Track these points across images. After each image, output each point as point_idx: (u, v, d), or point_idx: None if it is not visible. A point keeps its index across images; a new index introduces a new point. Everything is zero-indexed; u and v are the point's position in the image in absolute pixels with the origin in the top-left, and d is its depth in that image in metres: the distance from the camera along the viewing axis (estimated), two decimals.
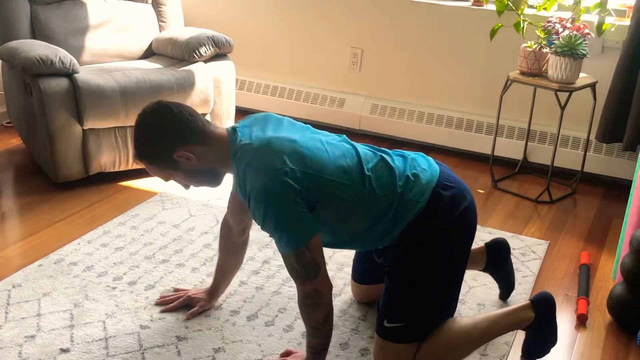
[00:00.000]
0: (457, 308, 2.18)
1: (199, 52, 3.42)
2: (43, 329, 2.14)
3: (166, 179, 1.93)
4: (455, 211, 1.93)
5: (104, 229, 2.81)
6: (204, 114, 3.41)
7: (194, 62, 3.43)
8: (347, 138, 2.01)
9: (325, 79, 4.23)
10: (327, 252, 2.66)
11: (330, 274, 2.45)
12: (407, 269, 1.94)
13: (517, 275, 2.58)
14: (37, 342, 2.07)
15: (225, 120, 3.51)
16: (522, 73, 3.29)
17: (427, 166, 1.99)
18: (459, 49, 3.82)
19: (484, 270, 2.39)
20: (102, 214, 2.96)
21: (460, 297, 2.40)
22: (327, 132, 2.02)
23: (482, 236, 2.90)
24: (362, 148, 1.98)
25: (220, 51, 3.50)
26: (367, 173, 1.89)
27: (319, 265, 1.81)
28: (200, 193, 3.19)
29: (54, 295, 2.32)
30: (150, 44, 3.69)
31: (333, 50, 4.15)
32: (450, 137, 3.90)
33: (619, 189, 3.49)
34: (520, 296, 2.45)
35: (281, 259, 2.60)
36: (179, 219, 2.94)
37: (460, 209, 1.94)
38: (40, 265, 2.50)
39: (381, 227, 1.92)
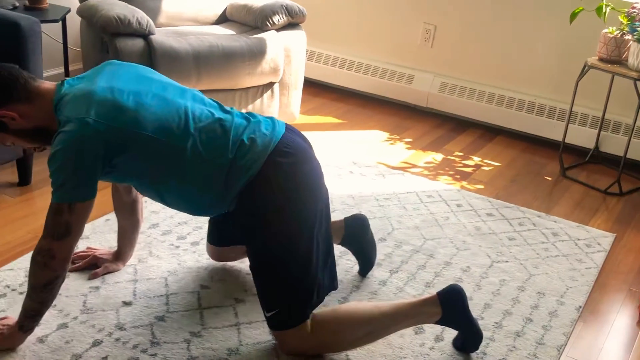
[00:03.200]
0: None
1: (272, 20, 3.43)
2: (107, 281, 2.21)
3: (2, 143, 1.89)
4: (293, 179, 1.84)
5: None
6: (272, 83, 3.43)
7: (267, 30, 3.44)
8: (197, 93, 1.92)
9: (395, 54, 4.19)
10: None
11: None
12: (253, 252, 1.89)
13: (580, 267, 2.53)
14: (101, 294, 2.14)
15: (292, 91, 3.52)
16: (601, 59, 3.18)
17: (270, 131, 1.87)
18: (536, 31, 3.72)
19: (340, 244, 2.33)
20: None
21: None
22: (171, 83, 1.92)
23: (547, 224, 2.84)
24: (198, 105, 1.87)
25: (293, 20, 3.50)
26: (192, 132, 1.80)
27: (70, 232, 1.74)
28: None
29: None
30: (225, 10, 3.72)
31: (405, 26, 4.10)
32: (520, 120, 3.82)
33: None
34: (582, 287, 2.40)
35: None
36: None
37: (299, 177, 1.85)
38: (108, 219, 2.58)
39: (213, 193, 1.85)
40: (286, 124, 1.97)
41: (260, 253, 1.88)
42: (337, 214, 2.76)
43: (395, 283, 2.33)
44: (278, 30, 3.46)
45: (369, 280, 2.33)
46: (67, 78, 1.86)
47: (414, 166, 3.36)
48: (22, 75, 1.82)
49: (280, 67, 3.40)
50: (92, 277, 2.22)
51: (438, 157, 3.51)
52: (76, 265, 2.26)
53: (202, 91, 3.24)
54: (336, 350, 1.95)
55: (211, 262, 2.36)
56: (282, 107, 3.52)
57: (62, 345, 1.91)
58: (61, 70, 3.72)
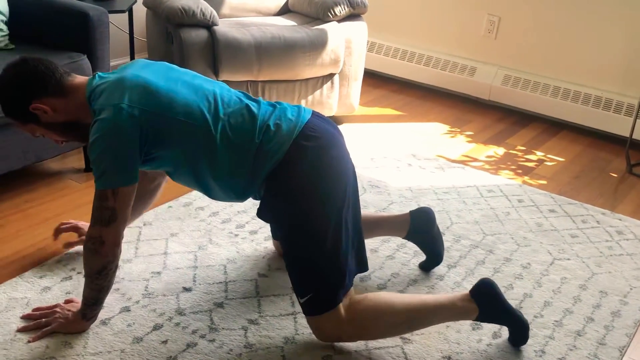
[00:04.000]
0: None
1: (334, 12, 3.42)
2: (168, 267, 2.26)
3: (32, 134, 1.94)
4: (318, 163, 1.83)
5: None
6: (332, 74, 3.43)
7: (328, 21, 3.44)
8: (223, 84, 1.95)
9: (457, 46, 4.13)
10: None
11: (390, 252, 2.43)
12: (283, 236, 1.90)
13: None
14: (163, 279, 2.20)
15: (352, 82, 3.52)
16: None
17: (295, 116, 1.89)
18: (605, 23, 3.61)
19: (405, 238, 2.30)
20: None
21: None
22: (199, 75, 1.96)
23: (612, 222, 2.77)
24: (227, 92, 1.91)
25: (355, 11, 3.49)
26: (222, 116, 1.83)
27: (116, 217, 1.78)
28: None
29: (180, 236, 2.45)
30: (287, 1, 3.73)
31: (468, 17, 4.03)
32: (585, 115, 3.72)
33: None
34: None
35: None
36: None
37: (325, 161, 1.84)
38: (170, 207, 2.63)
39: (242, 178, 1.86)
40: (313, 111, 1.97)
41: (289, 237, 1.89)
42: (395, 207, 2.75)
43: (453, 278, 2.31)
44: (339, 21, 3.45)
45: (426, 275, 2.32)
46: (98, 72, 1.90)
47: (475, 160, 3.32)
48: (58, 70, 1.87)
49: (341, 59, 3.39)
50: (69, 246, 2.28)
51: (500, 151, 3.46)
52: (58, 234, 2.30)
53: (263, 82, 3.27)
54: (373, 336, 1.93)
55: (269, 250, 2.39)
56: (342, 98, 3.52)
57: (124, 328, 1.96)
58: (127, 59, 3.81)
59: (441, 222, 2.66)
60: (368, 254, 2.40)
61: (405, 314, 1.88)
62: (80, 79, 1.89)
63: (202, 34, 3.13)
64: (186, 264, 2.28)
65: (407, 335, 2.01)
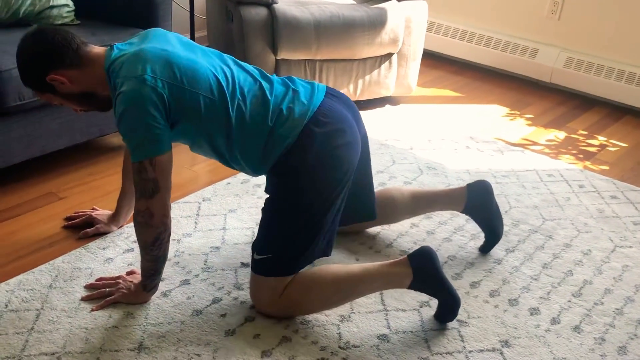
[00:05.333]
0: None
1: None
2: (227, 242, 2.29)
3: (51, 102, 1.95)
4: (327, 149, 1.84)
5: None
6: (391, 54, 3.40)
7: (388, 0, 3.40)
8: (236, 60, 1.96)
9: (518, 27, 4.04)
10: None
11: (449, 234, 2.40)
12: (273, 202, 1.91)
13: None
14: (221, 254, 2.23)
15: (411, 62, 3.48)
16: None
17: (308, 99, 1.88)
18: None
19: (463, 212, 2.28)
20: None
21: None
22: (215, 51, 1.96)
23: None
24: (242, 72, 1.91)
25: None
26: (238, 96, 1.84)
27: (159, 187, 1.78)
28: (379, 132, 3.22)
29: (238, 212, 2.47)
30: None
31: None
32: None
33: None
34: None
35: None
36: None
37: (334, 146, 1.85)
38: (229, 183, 2.66)
39: (255, 158, 1.87)
40: (328, 89, 1.96)
41: (277, 203, 1.90)
42: None
43: (510, 262, 2.28)
44: (399, 0, 3.41)
45: (484, 258, 2.30)
46: (116, 43, 1.91)
47: (535, 143, 3.25)
48: (75, 40, 1.86)
49: (400, 38, 3.36)
50: (83, 235, 2.27)
51: (560, 135, 3.38)
52: (72, 222, 2.34)
53: (320, 61, 3.27)
54: (306, 310, 1.95)
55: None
56: (400, 78, 3.49)
57: (184, 300, 2.01)
58: (187, 36, 3.84)
59: (500, 205, 2.61)
60: (424, 235, 2.40)
61: (333, 285, 1.91)
62: (97, 49, 1.89)
63: (261, 12, 3.13)
64: (244, 240, 2.31)
65: (463, 318, 1.99)
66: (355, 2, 3.43)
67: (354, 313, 2.00)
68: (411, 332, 1.94)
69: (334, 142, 1.86)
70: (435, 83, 3.97)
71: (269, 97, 1.87)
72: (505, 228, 2.47)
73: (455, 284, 2.14)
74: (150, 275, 1.94)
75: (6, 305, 1.94)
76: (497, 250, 2.33)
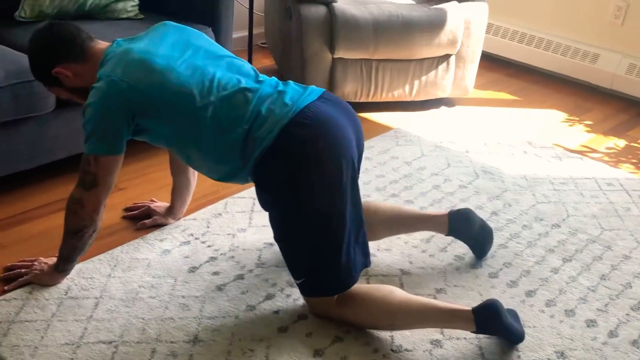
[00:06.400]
0: None
1: None
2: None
3: (58, 95, 1.98)
4: (305, 152, 1.76)
5: None
6: (448, 55, 3.37)
7: (448, 1, 3.37)
8: (235, 61, 1.91)
9: (580, 31, 3.96)
10: None
11: None
12: (274, 222, 1.87)
13: None
14: (275, 250, 2.24)
15: (469, 64, 3.44)
16: None
17: (294, 100, 1.81)
18: None
19: (447, 235, 2.23)
20: None
21: None
22: (211, 50, 1.93)
23: None
24: (228, 75, 1.85)
25: None
26: (213, 100, 1.79)
27: (97, 183, 1.81)
28: (434, 134, 3.20)
29: None
30: None
31: (594, 1, 3.85)
32: None
33: None
34: None
35: (513, 215, 2.55)
36: (412, 157, 2.98)
37: (313, 150, 1.76)
38: None
39: (230, 163, 1.84)
40: (324, 92, 1.88)
41: (278, 225, 1.87)
42: (509, 195, 2.69)
43: (567, 272, 2.24)
44: (460, 1, 3.38)
45: (540, 267, 2.26)
46: (119, 39, 1.93)
47: (594, 151, 3.18)
48: (81, 35, 1.90)
49: (459, 40, 3.32)
50: (140, 226, 2.31)
51: (620, 143, 3.30)
52: (131, 213, 2.38)
53: (377, 61, 3.26)
54: (359, 327, 1.91)
55: None
56: (457, 80, 3.46)
57: (238, 295, 2.03)
58: (245, 33, 3.88)
59: (557, 213, 2.58)
60: (506, 239, 2.37)
61: (388, 319, 1.86)
62: (102, 44, 1.92)
63: (321, 10, 3.14)
64: None
65: None
66: (414, 2, 3.41)
67: None
68: (465, 338, 1.92)
69: (314, 145, 1.76)
70: (492, 86, 3.92)
71: (251, 99, 1.80)
72: (562, 236, 2.43)
73: (510, 292, 2.12)
74: (64, 259, 1.97)
75: (66, 293, 1.99)
76: (554, 259, 2.29)
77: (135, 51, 1.83)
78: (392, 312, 1.85)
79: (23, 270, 2.03)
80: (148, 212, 2.37)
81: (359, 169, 1.92)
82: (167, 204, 2.39)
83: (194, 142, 1.85)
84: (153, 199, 2.47)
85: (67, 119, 2.46)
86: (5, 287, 1.99)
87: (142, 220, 2.33)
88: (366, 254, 1.92)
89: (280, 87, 1.87)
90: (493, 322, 1.81)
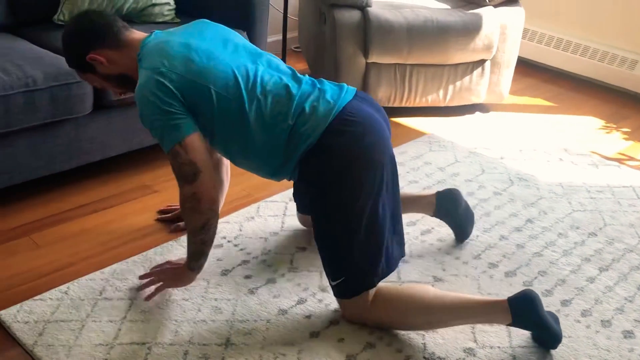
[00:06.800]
0: None
1: None
2: (313, 244, 2.28)
3: (91, 83, 1.99)
4: (353, 149, 1.78)
5: None
6: (483, 60, 3.34)
7: (483, 5, 3.34)
8: (273, 59, 1.92)
9: (618, 37, 3.89)
10: None
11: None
12: (319, 221, 1.87)
13: None
14: (307, 255, 2.24)
15: (504, 70, 3.40)
16: None
17: (335, 98, 1.83)
18: None
19: (433, 216, 2.31)
20: None
21: None
22: (249, 46, 1.96)
23: None
24: (269, 71, 1.87)
25: None
26: (258, 95, 1.81)
27: (198, 168, 1.77)
28: (468, 140, 3.17)
29: None
30: None
31: (634, 7, 3.78)
32: None
33: None
34: None
35: (548, 222, 2.51)
36: (445, 162, 2.95)
37: (361, 146, 1.78)
38: None
39: (274, 159, 1.85)
40: (357, 91, 1.92)
41: (323, 222, 1.87)
42: (545, 202, 2.65)
43: (604, 281, 2.20)
44: (495, 6, 3.35)
45: (576, 276, 2.22)
46: (156, 30, 1.94)
47: (632, 159, 3.12)
48: (117, 23, 1.91)
49: (494, 45, 3.29)
50: (174, 229, 2.32)
51: None
52: (165, 215, 2.39)
53: (411, 65, 3.24)
54: (394, 328, 1.91)
55: (411, 237, 2.37)
56: (491, 85, 3.42)
57: (269, 299, 2.03)
58: (279, 37, 3.89)
59: (593, 222, 2.53)
60: (513, 249, 2.34)
61: (425, 316, 1.86)
62: (138, 34, 1.93)
63: (355, 14, 3.14)
64: None
65: None
66: (449, 7, 3.38)
67: None
68: (498, 347, 1.89)
69: (361, 141, 1.80)
70: (527, 91, 3.87)
71: (294, 96, 1.83)
72: (599, 245, 2.39)
73: (545, 301, 2.08)
74: (196, 257, 1.94)
75: (101, 293, 2.01)
76: (590, 269, 2.26)
77: (175, 45, 1.84)
78: (427, 308, 1.85)
79: (157, 278, 2.01)
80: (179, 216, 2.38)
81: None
82: None
83: (237, 136, 1.85)
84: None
85: (104, 122, 2.49)
86: (145, 298, 1.98)
87: (176, 223, 2.35)
88: (401, 243, 1.95)
89: (318, 84, 1.89)
90: (529, 313, 1.79)
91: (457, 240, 2.35)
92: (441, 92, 3.35)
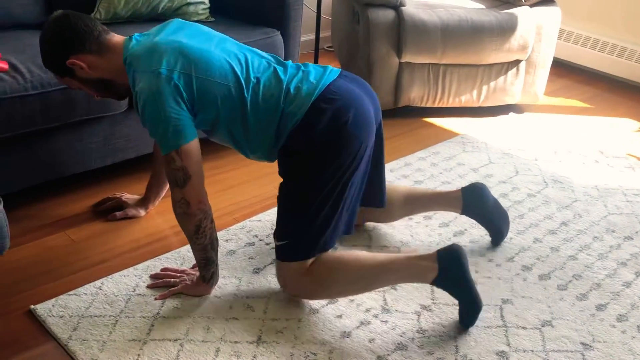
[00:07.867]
0: None
1: None
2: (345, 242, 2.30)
3: (70, 86, 1.99)
4: (334, 125, 1.82)
5: (405, 161, 2.91)
6: (518, 61, 3.30)
7: (519, 5, 3.30)
8: (253, 48, 1.98)
9: None
10: None
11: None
12: (285, 185, 1.91)
13: None
14: None
15: (539, 70, 3.36)
16: None
17: (317, 78, 1.89)
18: None
19: (462, 214, 2.28)
20: (405, 146, 3.06)
21: None
22: (227, 37, 1.99)
23: None
24: (256, 56, 1.94)
25: None
26: (252, 79, 1.87)
27: (189, 175, 1.80)
28: (502, 141, 3.14)
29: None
30: None
31: None
32: None
33: None
34: None
35: (583, 225, 2.48)
36: (478, 164, 2.93)
37: (340, 123, 1.82)
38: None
39: (269, 139, 1.89)
40: (342, 72, 1.96)
41: (288, 184, 1.90)
42: (580, 205, 2.61)
43: None
44: (531, 6, 3.31)
45: (612, 280, 2.18)
46: (135, 34, 1.94)
47: None
48: (97, 27, 1.91)
49: (530, 45, 3.25)
50: (111, 218, 2.36)
51: None
52: (103, 206, 2.41)
53: (445, 65, 3.22)
54: (329, 294, 1.95)
55: (443, 238, 2.36)
56: (526, 86, 3.38)
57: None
58: (312, 36, 3.90)
59: (629, 225, 2.49)
60: (548, 252, 2.31)
61: (357, 269, 1.89)
62: (117, 38, 1.93)
63: (389, 14, 3.12)
64: (354, 242, 2.31)
65: (588, 342, 1.90)
66: (484, 7, 3.35)
67: (473, 326, 1.95)
68: (532, 351, 1.87)
69: (342, 118, 1.83)
70: (563, 92, 3.82)
71: (282, 79, 1.89)
72: (635, 249, 2.34)
73: (580, 305, 2.05)
74: (203, 265, 1.96)
75: (134, 289, 2.03)
76: (627, 273, 2.22)
77: (165, 42, 1.86)
78: (360, 264, 1.90)
79: (172, 280, 2.04)
80: (120, 204, 2.42)
81: (382, 136, 2.05)
82: (138, 197, 2.44)
83: (239, 121, 1.89)
84: (124, 192, 2.51)
85: (138, 120, 2.51)
86: (157, 297, 1.99)
87: (114, 213, 2.38)
88: (350, 223, 1.98)
89: (302, 67, 1.95)
90: (456, 267, 1.85)
91: (493, 242, 2.32)
92: (475, 93, 3.32)
